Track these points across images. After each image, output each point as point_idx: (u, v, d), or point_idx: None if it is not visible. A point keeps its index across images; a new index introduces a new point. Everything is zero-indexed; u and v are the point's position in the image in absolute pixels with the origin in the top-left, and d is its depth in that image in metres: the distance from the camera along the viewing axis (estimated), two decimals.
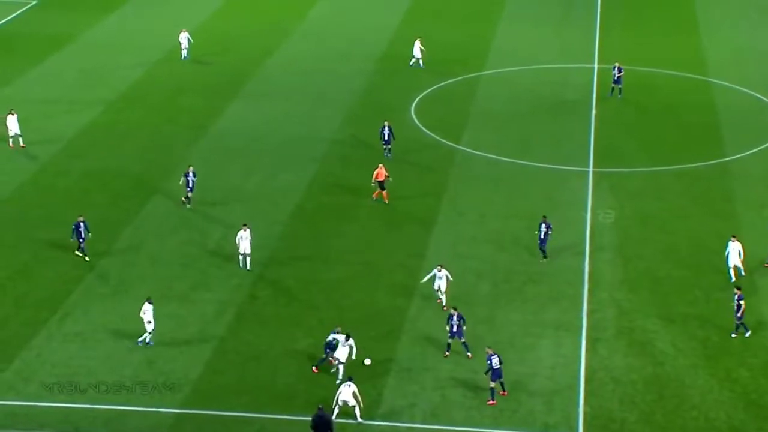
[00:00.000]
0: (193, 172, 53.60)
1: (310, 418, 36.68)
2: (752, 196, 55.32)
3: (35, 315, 44.53)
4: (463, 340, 41.47)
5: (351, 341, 40.45)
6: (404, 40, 79.20)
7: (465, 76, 72.33)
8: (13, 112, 60.34)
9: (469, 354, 41.39)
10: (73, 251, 48.69)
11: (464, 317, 41.59)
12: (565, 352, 41.97)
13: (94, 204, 53.98)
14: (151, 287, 46.59)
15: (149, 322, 42.09)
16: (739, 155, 60.30)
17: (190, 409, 38.76)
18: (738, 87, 70.50)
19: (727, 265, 46.95)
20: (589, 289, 46.56)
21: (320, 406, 36.70)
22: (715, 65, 74.68)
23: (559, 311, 44.87)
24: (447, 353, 41.61)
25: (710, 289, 46.71)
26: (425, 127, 64.06)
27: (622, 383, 40.28)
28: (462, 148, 61.35)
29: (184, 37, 74.55)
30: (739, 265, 46.86)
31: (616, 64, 69.03)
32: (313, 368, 40.82)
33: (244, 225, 48.16)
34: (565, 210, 53.57)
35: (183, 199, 53.70)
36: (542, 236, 48.66)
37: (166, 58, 75.95)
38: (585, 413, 38.55)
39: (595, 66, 74.39)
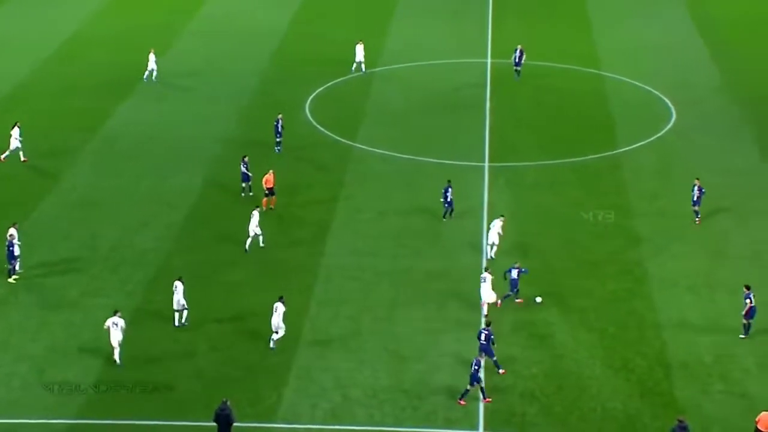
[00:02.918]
0: (245, 163, 54.02)
1: (209, 424, 36.05)
2: (644, 187, 56.11)
3: None
4: (494, 358, 40.18)
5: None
6: (297, 37, 78.77)
7: (359, 74, 71.99)
8: (19, 125, 57.77)
9: (501, 371, 40.17)
10: (7, 278, 46.00)
11: (493, 335, 40.51)
12: (466, 348, 41.89)
13: None
14: (41, 295, 45.26)
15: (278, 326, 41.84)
16: (631, 147, 61.17)
17: (85, 419, 37.68)
18: (629, 80, 71.57)
19: (486, 241, 48.21)
20: None
21: (224, 399, 36.17)
22: (607, 58, 75.67)
23: (459, 307, 44.83)
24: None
25: (606, 280, 47.23)
26: (320, 125, 63.57)
27: (522, 377, 40.40)
28: (358, 145, 61.04)
29: (152, 59, 69.87)
30: (495, 242, 47.89)
31: (519, 47, 70.25)
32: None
33: (257, 207, 50.05)
34: (461, 205, 53.56)
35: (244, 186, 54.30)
36: (449, 200, 51.04)
37: (52, 58, 74.06)
38: (486, 408, 38.56)
39: (489, 60, 74.80)
